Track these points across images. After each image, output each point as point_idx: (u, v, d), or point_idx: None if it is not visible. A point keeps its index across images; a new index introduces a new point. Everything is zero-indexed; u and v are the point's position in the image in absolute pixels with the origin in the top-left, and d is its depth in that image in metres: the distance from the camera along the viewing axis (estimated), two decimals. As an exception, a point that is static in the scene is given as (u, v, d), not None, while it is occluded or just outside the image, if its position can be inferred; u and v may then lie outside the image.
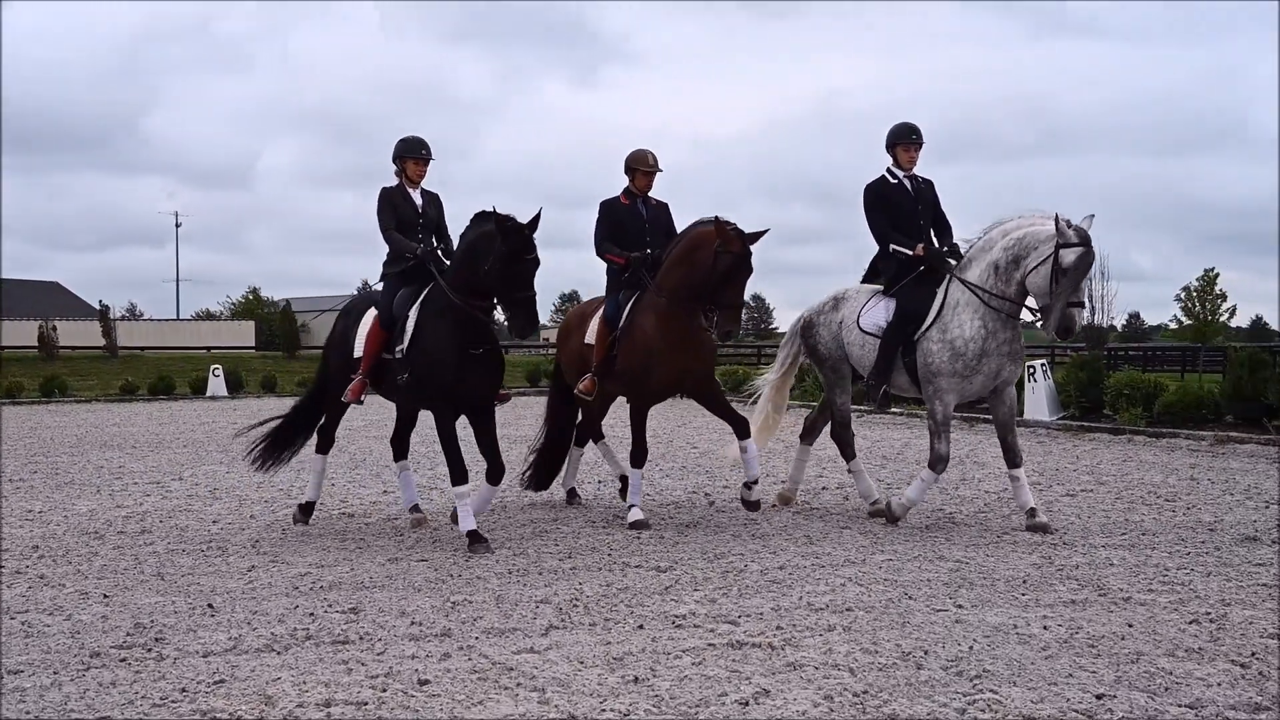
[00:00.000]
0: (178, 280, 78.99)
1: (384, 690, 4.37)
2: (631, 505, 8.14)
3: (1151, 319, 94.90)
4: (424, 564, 6.78)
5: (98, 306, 49.95)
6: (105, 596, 5.99)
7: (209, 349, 48.50)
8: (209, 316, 75.13)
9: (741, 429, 8.08)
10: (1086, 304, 8.29)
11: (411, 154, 7.87)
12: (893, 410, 17.23)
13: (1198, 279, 49.36)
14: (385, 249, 7.83)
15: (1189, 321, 49.69)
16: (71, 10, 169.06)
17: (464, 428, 7.37)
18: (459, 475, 7.32)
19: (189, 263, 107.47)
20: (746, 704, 4.18)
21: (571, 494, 9.30)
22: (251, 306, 70.33)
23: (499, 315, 7.36)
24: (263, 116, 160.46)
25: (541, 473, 9.19)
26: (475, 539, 7.20)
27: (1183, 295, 49.62)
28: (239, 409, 23.30)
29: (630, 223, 8.35)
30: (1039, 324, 7.73)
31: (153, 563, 6.91)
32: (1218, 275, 49.65)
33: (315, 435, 8.44)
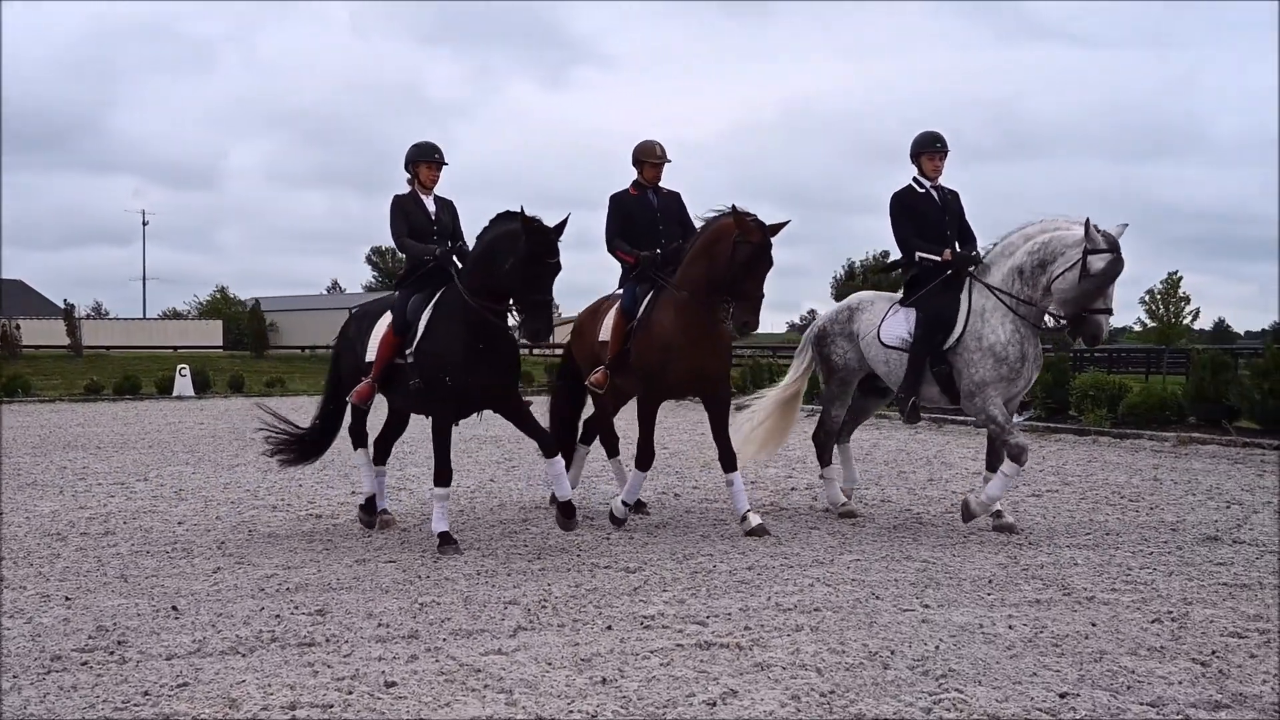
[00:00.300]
0: (144, 279, 78.31)
1: (350, 693, 4.34)
2: (621, 500, 8.05)
3: (1116, 321, 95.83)
4: (392, 565, 6.75)
5: (62, 305, 49.41)
6: (67, 599, 5.92)
7: (175, 348, 48.08)
8: (176, 316, 74.49)
9: (729, 462, 7.86)
10: (1113, 311, 8.14)
11: (425, 158, 7.72)
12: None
13: (1161, 282, 50.13)
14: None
15: (1153, 324, 50.41)
16: (35, 9, 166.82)
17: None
18: (443, 477, 7.24)
19: (156, 261, 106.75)
20: (714, 704, 4.19)
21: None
22: (219, 306, 69.84)
23: (512, 319, 7.16)
24: (230, 116, 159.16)
25: None
26: (445, 540, 7.16)
27: (1147, 298, 50.34)
28: (206, 409, 23.10)
29: (640, 214, 8.24)
30: (1065, 329, 7.62)
31: (116, 565, 6.83)
32: (1181, 279, 50.40)
33: (349, 435, 8.27)
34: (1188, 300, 49.65)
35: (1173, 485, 10.12)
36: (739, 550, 7.15)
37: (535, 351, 38.54)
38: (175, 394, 27.52)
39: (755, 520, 7.72)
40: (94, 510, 9.00)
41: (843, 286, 65.54)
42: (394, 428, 8.40)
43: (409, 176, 7.80)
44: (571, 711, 4.12)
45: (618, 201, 8.31)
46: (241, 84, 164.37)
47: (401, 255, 8.01)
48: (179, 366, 29.00)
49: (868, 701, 4.21)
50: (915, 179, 8.25)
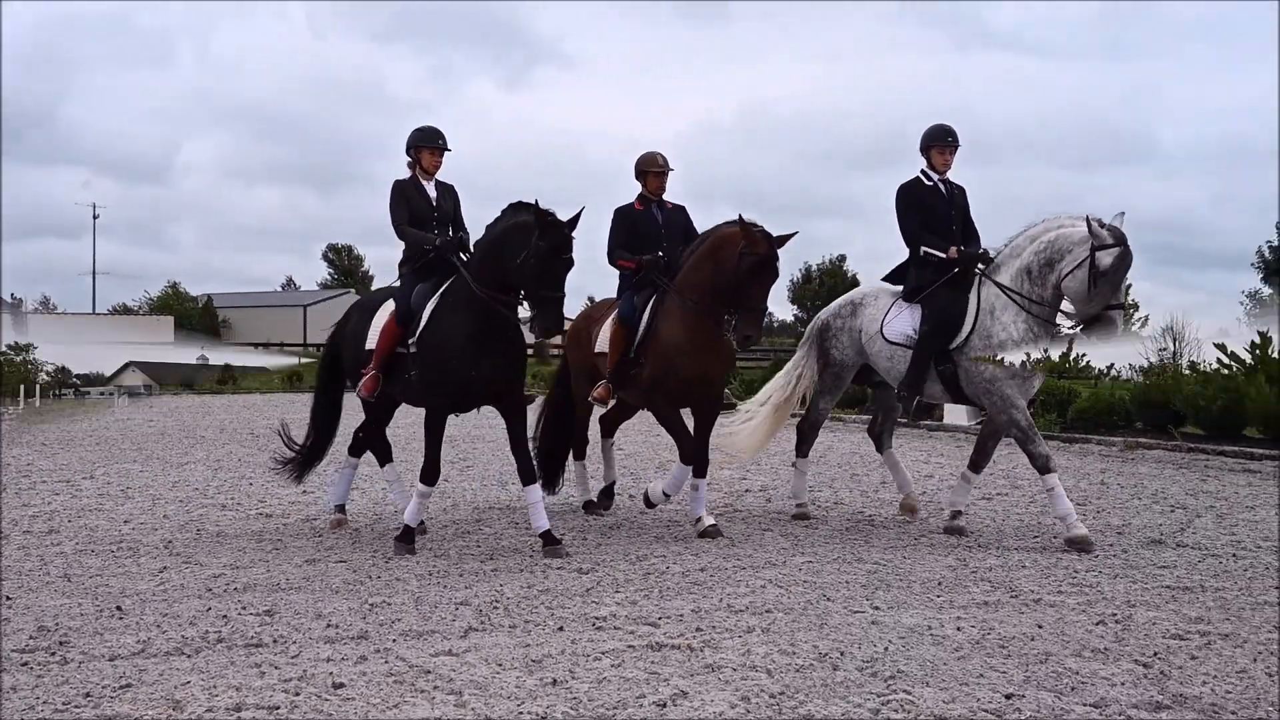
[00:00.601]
0: (94, 273, 76.72)
1: (297, 694, 4.29)
2: (662, 489, 7.98)
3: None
4: (342, 565, 6.69)
5: (9, 300, 48.53)
6: (8, 599, 5.80)
7: (126, 344, 47.30)
8: (126, 311, 73.24)
9: (701, 469, 7.83)
10: (1126, 306, 8.00)
11: (427, 143, 7.60)
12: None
13: (1112, 289, 50.78)
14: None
15: (1103, 330, 51.12)
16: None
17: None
18: (430, 473, 7.14)
19: (106, 256, 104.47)
20: (664, 705, 4.19)
21: (605, 494, 9.00)
22: (170, 302, 68.77)
23: (523, 314, 7.00)
24: (184, 110, 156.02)
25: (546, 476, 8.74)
26: (405, 537, 7.09)
27: (1098, 304, 50.98)
28: (155, 406, 22.77)
29: (645, 228, 8.17)
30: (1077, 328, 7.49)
31: (59, 564, 6.71)
32: (1130, 286, 51.21)
33: (371, 450, 8.10)
34: (1136, 307, 50.50)
35: (1119, 489, 10.28)
36: (692, 551, 7.16)
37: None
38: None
39: (709, 521, 7.74)
40: (38, 508, 8.83)
41: (799, 290, 65.90)
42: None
43: (410, 160, 7.68)
44: (521, 713, 4.11)
45: (622, 215, 8.26)
46: (196, 78, 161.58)
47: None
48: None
49: (816, 703, 4.23)
50: (924, 171, 8.20)
